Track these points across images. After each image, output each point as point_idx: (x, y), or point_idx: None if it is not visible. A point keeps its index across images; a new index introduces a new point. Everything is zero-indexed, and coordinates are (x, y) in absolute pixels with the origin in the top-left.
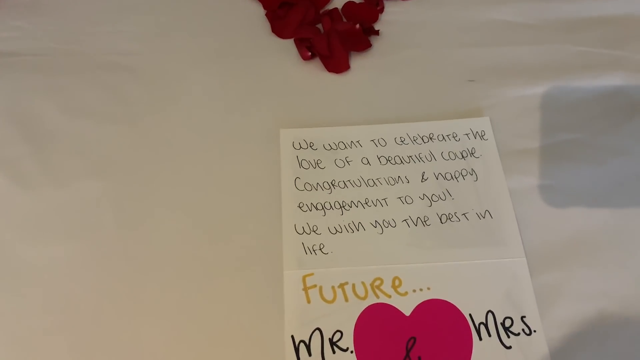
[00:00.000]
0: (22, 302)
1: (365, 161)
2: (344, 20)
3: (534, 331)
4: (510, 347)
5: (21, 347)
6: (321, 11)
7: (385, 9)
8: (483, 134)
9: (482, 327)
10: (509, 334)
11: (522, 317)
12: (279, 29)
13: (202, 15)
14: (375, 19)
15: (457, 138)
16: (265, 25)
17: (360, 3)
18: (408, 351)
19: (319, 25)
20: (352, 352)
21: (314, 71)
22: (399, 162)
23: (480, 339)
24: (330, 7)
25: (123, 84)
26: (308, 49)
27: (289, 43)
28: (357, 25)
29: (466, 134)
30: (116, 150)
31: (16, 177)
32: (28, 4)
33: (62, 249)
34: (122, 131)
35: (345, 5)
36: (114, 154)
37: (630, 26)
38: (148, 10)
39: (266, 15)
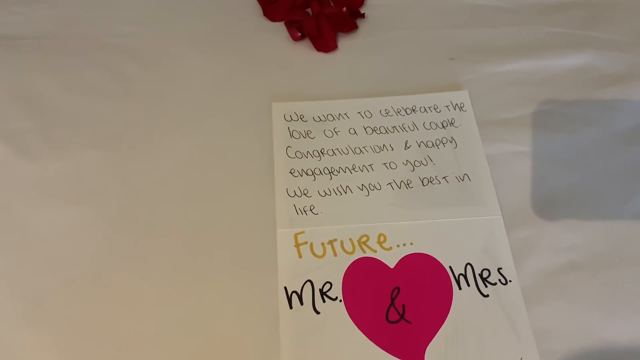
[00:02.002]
0: (29, 260)
1: (352, 131)
2: (332, 4)
3: (510, 281)
4: (487, 296)
5: (29, 300)
6: None
7: None
8: (462, 105)
9: (462, 278)
10: (487, 283)
11: (499, 269)
12: (271, 12)
13: (198, 1)
14: (361, 3)
15: (438, 110)
16: (257, 9)
17: None
18: (393, 300)
19: (308, 10)
20: (340, 300)
21: (304, 51)
22: (384, 132)
23: (460, 288)
24: None
25: (122, 63)
26: (298, 29)
27: (280, 26)
28: (344, 9)
29: (446, 106)
30: (116, 124)
31: (22, 148)
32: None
33: (65, 213)
34: (121, 107)
35: None
36: (114, 127)
37: (599, 9)
38: (150, 3)
39: (258, 1)
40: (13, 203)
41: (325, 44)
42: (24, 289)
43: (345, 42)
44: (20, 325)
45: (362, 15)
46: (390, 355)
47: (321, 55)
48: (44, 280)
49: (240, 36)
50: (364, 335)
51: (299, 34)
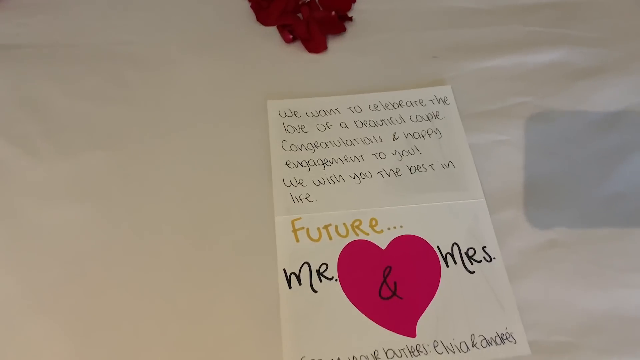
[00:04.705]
0: (38, 255)
1: (343, 125)
2: (321, 9)
3: (494, 258)
4: (473, 272)
5: (39, 292)
6: (300, 2)
7: None
8: (446, 99)
9: (449, 256)
10: (472, 261)
11: (483, 247)
12: (263, 17)
13: (193, 8)
14: (349, 7)
15: (423, 103)
16: (251, 15)
17: None
18: (385, 277)
19: (299, 15)
20: (336, 280)
21: (296, 52)
22: (373, 125)
23: (447, 266)
24: None
25: (122, 70)
26: (289, 32)
27: (273, 30)
28: (333, 13)
29: (431, 100)
30: (118, 126)
31: (28, 150)
32: (32, 4)
33: (71, 210)
34: (123, 110)
35: None
36: (117, 129)
37: (572, 9)
38: (143, 6)
39: (251, 6)
40: (22, 201)
41: (315, 45)
42: (34, 282)
43: (334, 44)
44: (30, 316)
45: (350, 19)
46: (384, 329)
47: (312, 56)
48: (53, 274)
49: (236, 40)
50: (358, 311)
51: (291, 36)
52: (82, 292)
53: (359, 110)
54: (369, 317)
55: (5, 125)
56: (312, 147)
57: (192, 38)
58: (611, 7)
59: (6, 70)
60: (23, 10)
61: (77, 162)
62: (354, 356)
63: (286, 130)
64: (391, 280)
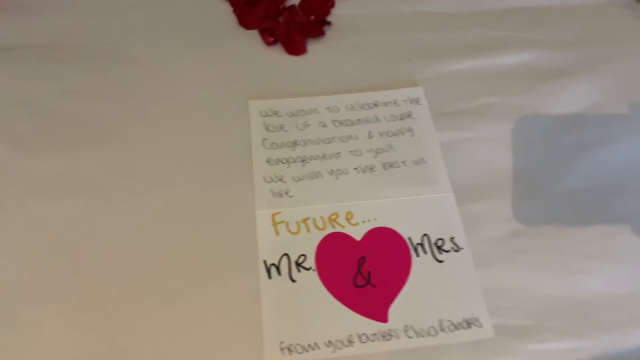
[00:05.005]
0: (32, 247)
1: (321, 124)
2: (300, 13)
3: (462, 248)
4: (442, 261)
5: (33, 284)
6: (281, 7)
7: (335, 4)
8: (418, 100)
9: (419, 247)
10: (441, 251)
11: (452, 238)
12: (245, 22)
13: (180, 13)
14: (327, 12)
15: (396, 104)
16: (233, 19)
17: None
18: (359, 267)
19: (280, 19)
20: (313, 270)
21: (276, 54)
22: (350, 124)
23: (418, 255)
24: (288, 4)
25: (113, 69)
26: (270, 35)
27: (254, 33)
28: (312, 17)
29: (404, 100)
30: (110, 123)
31: (22, 147)
32: (24, 6)
33: (66, 203)
34: (112, 108)
35: (302, 1)
36: (108, 126)
37: (539, 15)
38: (136, 9)
39: (233, 12)
40: (19, 196)
41: (295, 48)
42: (33, 271)
43: (313, 47)
44: (26, 303)
45: (328, 23)
46: (358, 315)
47: (292, 58)
48: (49, 263)
49: (219, 43)
50: (334, 298)
51: (272, 39)
52: (72, 281)
53: (336, 110)
54: (344, 304)
55: (14, 125)
56: (291, 145)
57: (180, 40)
58: (573, 14)
59: (8, 72)
60: (15, 12)
61: (70, 157)
62: (329, 341)
63: (267, 129)
64: (365, 269)
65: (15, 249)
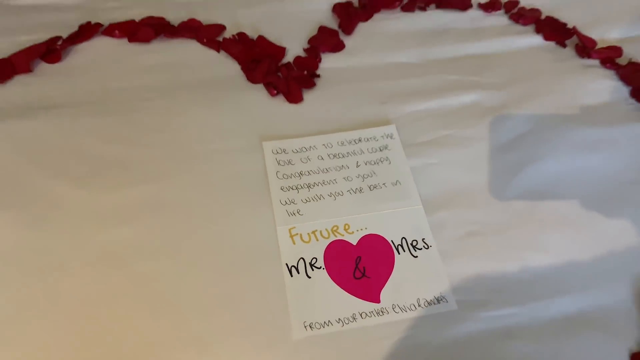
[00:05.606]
0: (97, 267)
1: (320, 158)
2: (295, 69)
3: (430, 246)
4: (417, 257)
5: (110, 294)
6: (279, 64)
7: (322, 60)
8: (392, 135)
9: (400, 247)
10: (416, 249)
11: (423, 239)
12: (252, 77)
13: (198, 72)
14: (316, 67)
15: (376, 139)
16: (242, 75)
17: (305, 57)
18: (357, 264)
19: (279, 74)
20: (323, 268)
21: (280, 103)
22: (341, 156)
23: (399, 253)
24: (285, 61)
25: (145, 120)
26: (274, 88)
27: (260, 87)
28: (305, 72)
29: (381, 136)
30: (147, 165)
31: (80, 186)
32: (72, 69)
33: (121, 233)
34: (149, 152)
35: (295, 59)
36: (146, 167)
37: (483, 61)
38: (160, 71)
39: (242, 69)
40: (83, 226)
41: (294, 97)
42: (104, 284)
43: (308, 95)
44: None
45: (318, 76)
46: (358, 299)
47: (292, 105)
48: (111, 280)
49: (233, 95)
50: (340, 288)
51: (275, 91)
52: (139, 287)
53: (330, 146)
54: (347, 292)
55: (62, 168)
56: (298, 175)
57: (198, 94)
58: (510, 58)
59: (57, 125)
60: (63, 75)
61: (121, 193)
62: (339, 319)
63: (278, 163)
64: (361, 265)
65: (83, 267)
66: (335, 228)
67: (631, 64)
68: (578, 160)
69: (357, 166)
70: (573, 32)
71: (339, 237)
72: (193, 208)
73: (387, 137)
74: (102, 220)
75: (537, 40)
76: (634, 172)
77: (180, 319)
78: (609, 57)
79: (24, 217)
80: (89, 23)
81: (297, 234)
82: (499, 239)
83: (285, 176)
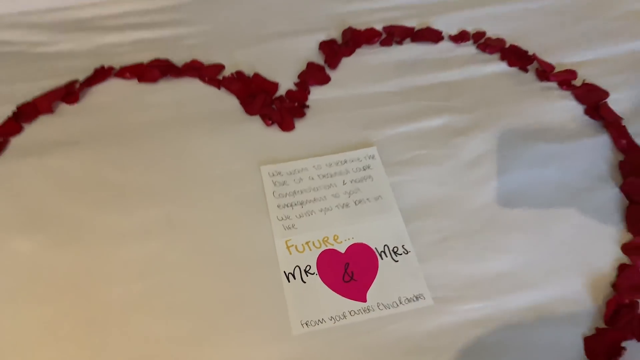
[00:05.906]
0: (124, 271)
1: (310, 178)
2: (287, 101)
3: (409, 251)
4: (397, 261)
5: (146, 297)
6: (273, 97)
7: (311, 92)
8: (373, 156)
9: (382, 253)
10: (397, 255)
11: (402, 245)
12: (249, 109)
13: (200, 106)
14: (306, 99)
15: (359, 160)
16: (240, 108)
17: (296, 90)
18: (345, 269)
19: (273, 106)
20: (316, 274)
21: (274, 131)
22: (330, 176)
23: (382, 258)
24: (278, 94)
25: (155, 149)
26: (269, 118)
27: (257, 118)
28: (296, 104)
29: (364, 157)
30: (159, 188)
31: (99, 208)
32: (80, 111)
33: (144, 246)
34: (160, 177)
35: (287, 92)
36: (158, 190)
37: (453, 87)
38: (165, 106)
39: (240, 103)
40: (103, 243)
41: (287, 126)
42: (137, 289)
43: (299, 124)
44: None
45: (307, 106)
46: (347, 299)
47: (285, 133)
48: (142, 285)
49: (233, 126)
50: (331, 290)
51: (270, 121)
52: (162, 301)
53: (319, 167)
54: (337, 293)
55: (84, 195)
56: (292, 194)
57: (201, 126)
58: (476, 84)
59: (78, 158)
60: (72, 115)
61: (136, 214)
62: (331, 316)
63: (274, 184)
64: (349, 270)
65: (106, 280)
66: (326, 239)
67: (585, 84)
68: (536, 172)
69: (344, 184)
70: (533, 58)
71: (329, 247)
72: (201, 225)
73: (369, 158)
74: (122, 239)
75: (502, 66)
76: (585, 181)
77: (196, 319)
78: (566, 79)
79: (52, 238)
80: (102, 67)
81: (292, 245)
82: (469, 242)
83: (281, 195)
